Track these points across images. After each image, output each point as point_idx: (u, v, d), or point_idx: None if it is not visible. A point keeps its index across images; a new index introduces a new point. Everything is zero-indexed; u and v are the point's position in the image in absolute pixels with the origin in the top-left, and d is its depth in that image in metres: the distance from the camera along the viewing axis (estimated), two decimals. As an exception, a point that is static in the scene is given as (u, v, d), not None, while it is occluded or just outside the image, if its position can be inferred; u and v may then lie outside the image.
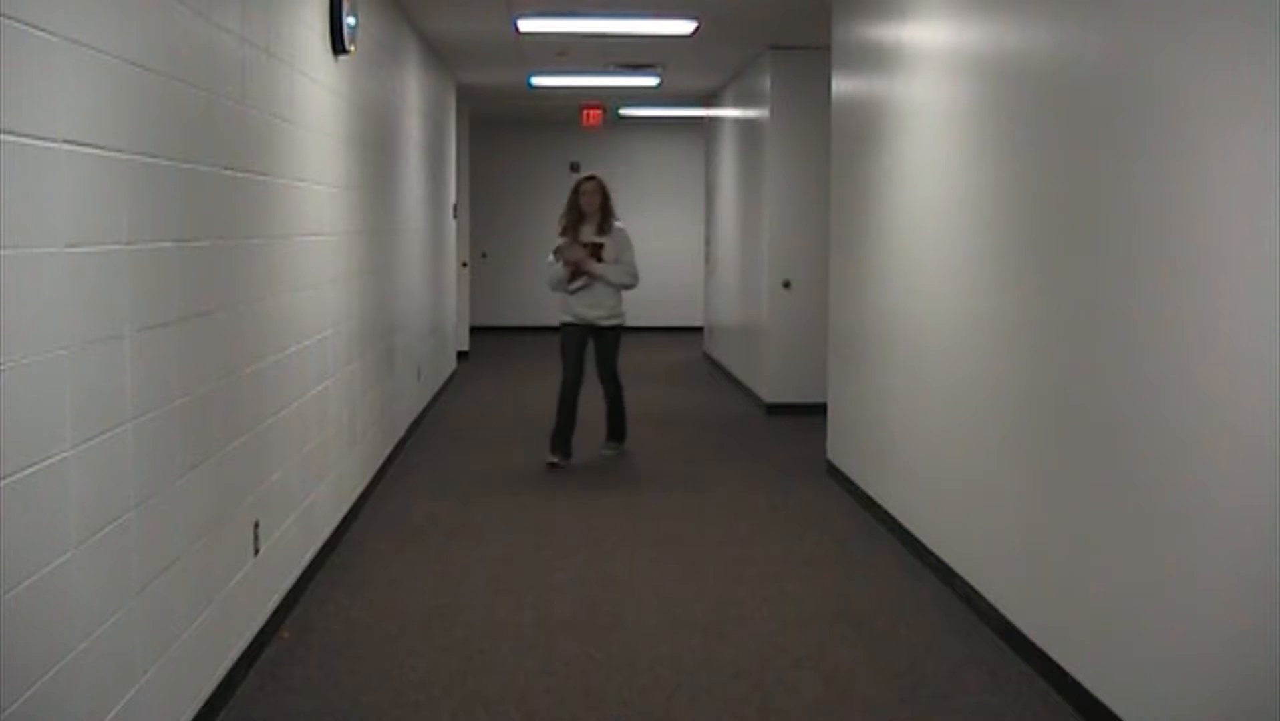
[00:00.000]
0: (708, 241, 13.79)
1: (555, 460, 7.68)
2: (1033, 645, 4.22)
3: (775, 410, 9.75)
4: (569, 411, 7.75)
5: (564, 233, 7.76)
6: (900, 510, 5.92)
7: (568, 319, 7.77)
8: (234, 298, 3.97)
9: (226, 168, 3.88)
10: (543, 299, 16.90)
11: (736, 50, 10.02)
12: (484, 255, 16.39)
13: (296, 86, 4.91)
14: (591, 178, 7.84)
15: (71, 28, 2.69)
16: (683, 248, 16.45)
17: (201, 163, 3.62)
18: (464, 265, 13.70)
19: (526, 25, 8.59)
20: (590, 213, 7.69)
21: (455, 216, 12.55)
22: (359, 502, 6.33)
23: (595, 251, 7.62)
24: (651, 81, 11.81)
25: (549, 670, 4.21)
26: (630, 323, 7.99)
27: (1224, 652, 3.10)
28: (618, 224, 7.77)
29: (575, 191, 7.81)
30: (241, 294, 4.06)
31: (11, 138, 2.42)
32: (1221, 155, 3.11)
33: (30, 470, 2.51)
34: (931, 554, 5.35)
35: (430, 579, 5.28)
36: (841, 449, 7.24)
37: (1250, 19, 2.99)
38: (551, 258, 7.75)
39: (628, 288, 7.75)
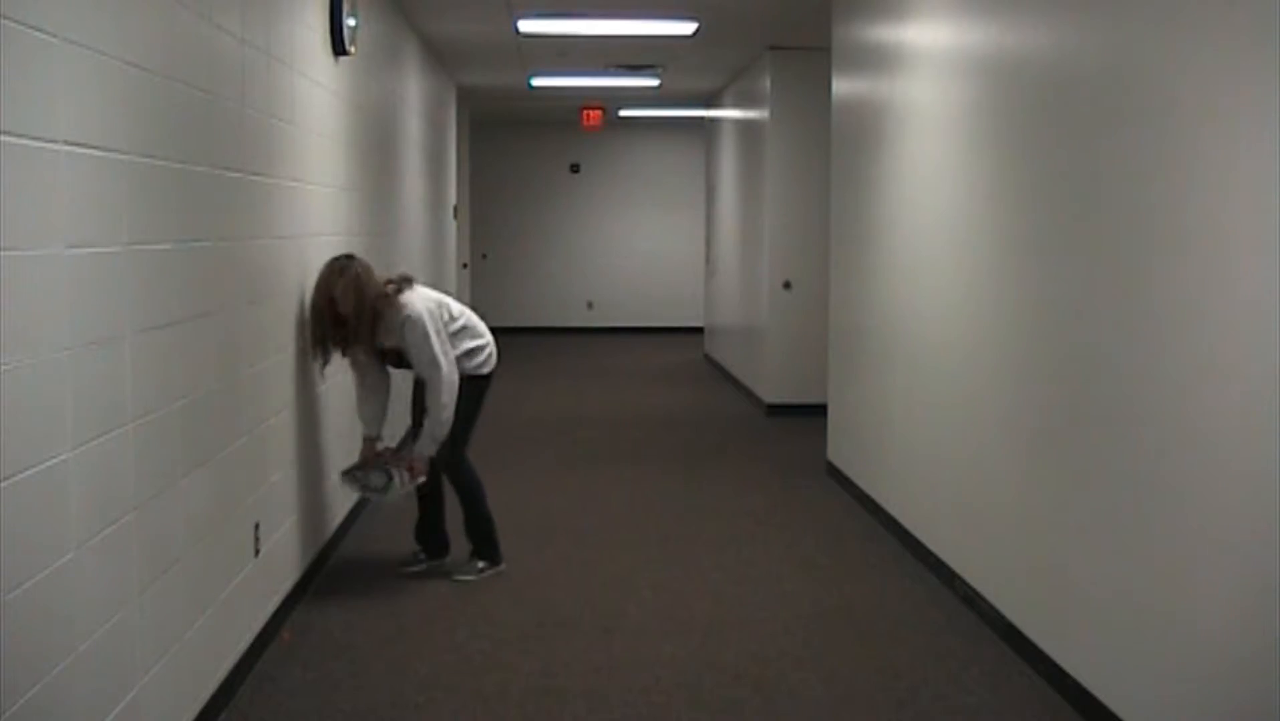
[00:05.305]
0: (708, 242, 13.79)
1: (419, 562, 5.45)
2: (1033, 645, 4.22)
3: (775, 410, 9.76)
4: (427, 494, 5.48)
5: (317, 350, 4.96)
6: (900, 510, 5.92)
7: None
8: (234, 298, 3.97)
9: (227, 169, 3.89)
10: (543, 300, 17.16)
11: (736, 51, 10.02)
12: (484, 256, 16.41)
13: (297, 87, 4.91)
14: (335, 276, 4.89)
15: (71, 28, 2.69)
16: (683, 248, 16.48)
17: (202, 164, 3.62)
18: (464, 266, 13.71)
19: (527, 26, 8.59)
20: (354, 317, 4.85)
21: (456, 217, 12.55)
22: (359, 503, 6.33)
23: (395, 362, 5.16)
24: (652, 82, 11.81)
25: (549, 671, 4.21)
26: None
27: (1224, 652, 3.10)
28: (402, 313, 4.91)
29: (318, 305, 4.89)
30: (241, 295, 4.06)
31: (11, 138, 2.42)
32: (1221, 155, 3.10)
33: (30, 471, 2.51)
34: (932, 554, 5.35)
35: (431, 579, 5.28)
36: (842, 449, 7.24)
37: (1250, 18, 2.99)
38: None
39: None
